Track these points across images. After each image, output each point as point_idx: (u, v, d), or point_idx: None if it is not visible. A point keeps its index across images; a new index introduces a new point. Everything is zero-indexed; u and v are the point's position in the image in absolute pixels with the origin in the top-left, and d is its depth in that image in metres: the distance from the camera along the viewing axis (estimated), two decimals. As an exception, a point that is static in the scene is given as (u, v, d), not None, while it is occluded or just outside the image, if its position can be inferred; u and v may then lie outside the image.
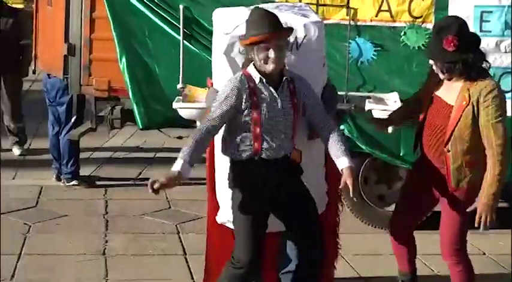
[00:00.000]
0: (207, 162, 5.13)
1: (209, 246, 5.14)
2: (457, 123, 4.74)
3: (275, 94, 4.52)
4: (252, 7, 4.81)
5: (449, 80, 4.80)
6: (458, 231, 4.92)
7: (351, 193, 4.45)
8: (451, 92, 4.81)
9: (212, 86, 5.02)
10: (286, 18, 4.77)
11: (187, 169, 4.45)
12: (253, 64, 4.54)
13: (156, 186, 4.45)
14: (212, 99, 4.65)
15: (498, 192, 4.70)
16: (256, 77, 4.51)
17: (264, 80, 4.50)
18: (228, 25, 4.90)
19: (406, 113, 5.35)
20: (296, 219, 4.67)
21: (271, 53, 4.42)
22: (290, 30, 4.58)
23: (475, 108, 4.68)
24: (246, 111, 4.49)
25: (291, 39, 4.72)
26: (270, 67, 4.46)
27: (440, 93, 4.88)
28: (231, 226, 4.81)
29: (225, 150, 4.66)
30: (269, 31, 4.42)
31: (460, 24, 4.76)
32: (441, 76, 4.81)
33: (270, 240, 4.81)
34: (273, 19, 4.48)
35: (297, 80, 4.62)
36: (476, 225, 4.71)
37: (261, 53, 4.44)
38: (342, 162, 4.51)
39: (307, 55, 4.82)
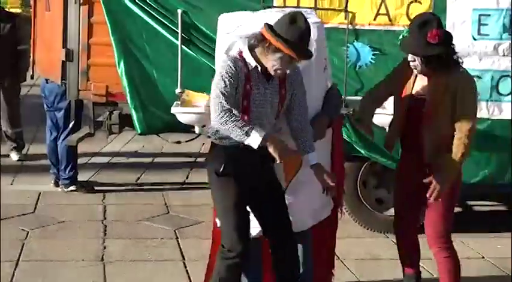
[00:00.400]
0: None
1: (213, 252, 5.10)
2: (433, 112, 4.93)
3: (266, 84, 4.51)
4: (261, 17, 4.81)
5: (426, 74, 4.94)
6: (440, 218, 5.05)
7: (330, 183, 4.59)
8: (427, 85, 4.99)
9: None
10: None
11: (262, 133, 4.33)
12: (251, 51, 4.48)
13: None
14: None
15: (455, 173, 4.93)
16: (252, 63, 4.47)
17: (260, 68, 4.47)
18: (230, 26, 4.92)
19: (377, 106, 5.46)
20: (269, 212, 4.66)
21: (283, 65, 4.41)
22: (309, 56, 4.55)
23: (451, 99, 4.88)
24: (237, 97, 4.44)
25: None
26: (272, 73, 4.47)
27: (418, 88, 5.04)
28: None
29: (210, 134, 4.61)
30: (304, 53, 4.41)
31: (439, 19, 4.97)
32: (417, 71, 4.96)
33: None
34: (307, 39, 4.45)
35: (289, 72, 4.60)
36: (428, 196, 4.88)
37: (284, 63, 4.40)
38: (310, 158, 4.61)
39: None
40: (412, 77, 5.09)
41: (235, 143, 4.47)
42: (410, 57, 4.97)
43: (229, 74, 4.40)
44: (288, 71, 4.55)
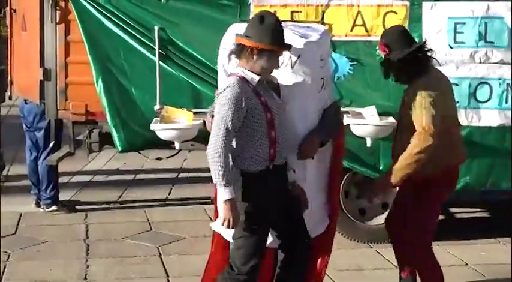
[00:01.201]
0: None
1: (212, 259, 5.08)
2: (403, 116, 5.18)
3: (273, 95, 4.55)
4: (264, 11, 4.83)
5: (403, 83, 5.28)
6: (416, 218, 5.20)
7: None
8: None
9: None
10: (285, 37, 4.77)
11: (233, 191, 4.38)
12: (244, 67, 4.50)
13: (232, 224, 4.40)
14: None
15: (402, 170, 5.05)
16: (255, 78, 4.47)
17: (264, 81, 4.53)
18: (227, 40, 4.91)
19: None
20: (290, 229, 4.66)
21: (275, 62, 4.49)
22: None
23: (412, 102, 5.06)
24: (258, 114, 4.42)
25: (286, 56, 4.72)
26: (265, 73, 4.51)
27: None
28: (227, 237, 4.77)
29: (236, 164, 4.50)
30: (286, 45, 4.50)
31: (388, 33, 5.30)
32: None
33: (267, 255, 4.79)
34: (282, 33, 4.53)
35: (274, 80, 4.67)
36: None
37: (272, 61, 4.47)
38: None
39: (301, 74, 4.78)
40: None
41: (261, 167, 4.47)
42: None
43: (236, 104, 4.36)
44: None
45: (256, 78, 4.48)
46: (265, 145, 4.44)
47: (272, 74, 4.64)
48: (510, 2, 6.65)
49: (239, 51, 4.49)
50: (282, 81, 4.75)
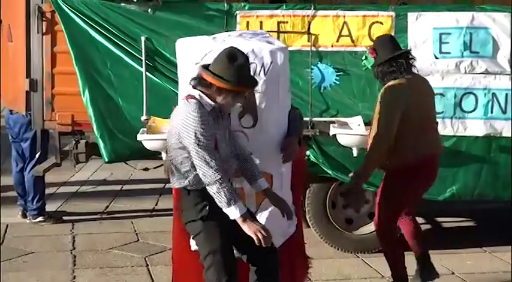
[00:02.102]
0: (174, 190, 5.10)
1: (176, 275, 5.08)
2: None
3: (221, 121, 4.49)
4: (225, 44, 4.78)
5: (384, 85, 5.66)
6: (382, 208, 5.72)
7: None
8: None
9: None
10: (252, 45, 4.80)
11: (243, 206, 4.38)
12: (203, 92, 4.43)
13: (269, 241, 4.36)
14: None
15: (364, 170, 5.61)
16: (210, 105, 4.41)
17: (218, 109, 4.46)
18: (196, 55, 4.88)
19: None
20: (255, 250, 4.56)
21: (238, 100, 4.46)
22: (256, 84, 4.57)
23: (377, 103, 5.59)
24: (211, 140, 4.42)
25: (258, 65, 4.74)
26: (226, 109, 4.48)
27: None
28: None
29: (180, 182, 4.53)
30: (252, 84, 4.47)
31: (377, 40, 5.86)
32: None
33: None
34: (248, 70, 4.47)
35: None
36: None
37: (232, 100, 4.41)
38: (261, 184, 4.60)
39: (274, 80, 4.83)
40: None
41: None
42: None
43: (206, 125, 4.34)
44: None
45: (211, 104, 4.41)
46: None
47: None
48: (494, 13, 6.71)
49: (205, 85, 4.41)
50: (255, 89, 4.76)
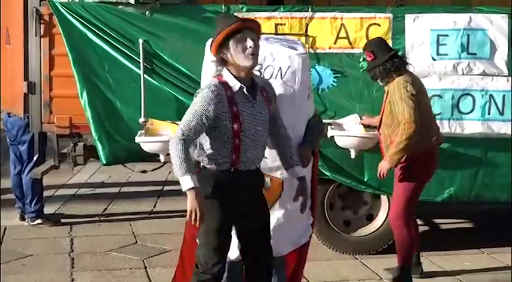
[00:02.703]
0: None
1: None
2: (383, 112, 6.02)
3: (254, 103, 4.46)
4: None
5: (385, 84, 6.07)
6: (399, 200, 6.08)
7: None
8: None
9: None
10: (272, 49, 4.82)
11: (196, 182, 4.33)
12: (229, 70, 4.44)
13: (199, 217, 4.32)
14: None
15: (395, 156, 5.88)
16: (236, 85, 4.40)
17: (245, 88, 4.41)
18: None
19: None
20: (252, 239, 4.62)
21: (250, 42, 4.35)
22: (258, 23, 4.53)
23: (393, 97, 5.90)
24: (225, 122, 4.38)
25: (276, 68, 4.73)
26: (248, 63, 4.37)
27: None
28: None
29: (198, 156, 4.54)
30: (241, 20, 4.43)
31: (371, 43, 6.29)
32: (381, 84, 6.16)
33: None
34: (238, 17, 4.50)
35: (266, 86, 4.59)
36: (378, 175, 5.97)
37: (240, 44, 4.35)
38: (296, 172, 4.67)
39: (290, 85, 4.84)
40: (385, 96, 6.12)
41: (223, 168, 4.47)
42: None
43: (207, 104, 4.34)
44: (256, 76, 4.57)
45: (237, 86, 4.41)
46: (228, 150, 4.43)
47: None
48: (491, 14, 6.73)
49: (219, 53, 4.44)
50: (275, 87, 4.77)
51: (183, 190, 4.33)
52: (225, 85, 4.41)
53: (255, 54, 4.38)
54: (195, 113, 4.36)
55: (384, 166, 5.94)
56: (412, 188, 6.06)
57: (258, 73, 4.79)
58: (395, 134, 5.91)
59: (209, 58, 4.94)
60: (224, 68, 4.48)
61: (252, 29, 4.42)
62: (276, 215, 4.82)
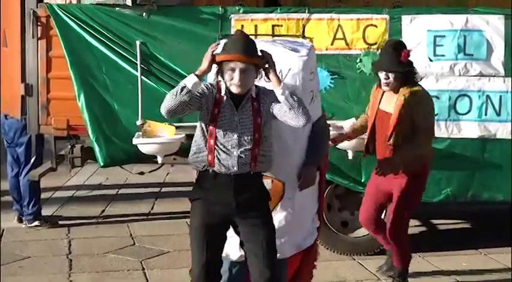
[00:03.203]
0: None
1: None
2: (397, 121, 5.73)
3: (235, 110, 4.53)
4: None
5: (394, 91, 5.77)
6: (403, 213, 5.95)
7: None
8: (390, 101, 5.82)
9: None
10: (274, 51, 4.81)
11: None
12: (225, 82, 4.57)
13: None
14: None
15: (402, 158, 5.77)
16: (224, 89, 4.54)
17: (229, 95, 4.52)
18: None
19: (359, 129, 6.26)
20: (247, 241, 4.60)
21: (235, 75, 4.45)
22: (258, 57, 4.53)
23: (410, 107, 5.69)
24: (205, 119, 4.53)
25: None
26: (234, 90, 4.50)
27: (383, 107, 5.88)
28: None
29: (189, 158, 4.68)
30: (235, 53, 4.46)
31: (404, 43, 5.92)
32: (386, 88, 5.81)
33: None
34: (245, 43, 4.50)
35: (262, 95, 4.59)
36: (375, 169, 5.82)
37: (226, 74, 4.49)
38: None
39: (290, 87, 4.82)
40: (379, 94, 5.91)
41: (203, 169, 4.55)
42: (384, 75, 5.77)
43: (204, 86, 4.54)
44: (255, 87, 4.58)
45: (225, 91, 4.53)
46: (205, 149, 4.56)
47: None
48: (488, 15, 6.74)
49: (218, 72, 4.59)
50: None
51: (190, 83, 4.45)
52: (219, 88, 4.56)
53: (239, 83, 4.48)
54: (190, 79, 4.51)
55: (389, 168, 5.80)
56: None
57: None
58: (408, 141, 5.76)
59: None
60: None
61: (244, 61, 4.47)
62: (277, 218, 4.81)
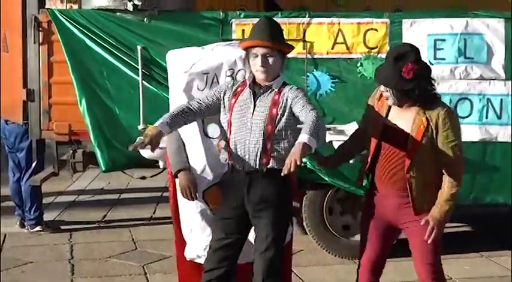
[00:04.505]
0: (171, 199, 5.15)
1: None
2: (417, 148, 4.62)
3: (251, 98, 4.52)
4: (213, 52, 5.01)
5: (400, 106, 4.68)
6: (431, 254, 4.81)
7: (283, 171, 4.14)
8: (404, 118, 4.68)
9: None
10: (241, 52, 4.82)
11: (165, 127, 4.50)
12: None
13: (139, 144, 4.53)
14: None
15: (451, 210, 4.66)
16: (250, 78, 4.57)
17: (252, 84, 4.55)
18: (185, 64, 4.99)
19: (355, 147, 5.11)
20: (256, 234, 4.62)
21: (257, 60, 4.47)
22: (282, 43, 4.54)
23: (434, 132, 4.61)
24: (224, 112, 4.59)
25: (247, 71, 4.71)
26: (259, 76, 4.51)
27: (393, 120, 4.72)
28: (200, 261, 4.81)
29: None
30: (257, 38, 4.48)
31: (416, 51, 4.67)
32: (391, 102, 4.68)
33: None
34: (266, 28, 4.51)
35: (286, 90, 4.51)
36: (425, 238, 4.64)
37: (250, 60, 4.53)
38: (300, 138, 4.17)
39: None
40: (385, 107, 4.76)
41: (225, 162, 4.63)
42: (382, 87, 4.69)
43: (218, 88, 4.65)
44: (281, 80, 4.56)
45: (251, 78, 4.57)
46: (225, 142, 4.63)
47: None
48: (488, 19, 6.76)
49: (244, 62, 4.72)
50: None
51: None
52: (243, 82, 4.64)
53: (263, 69, 4.48)
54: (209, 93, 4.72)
55: (439, 225, 4.67)
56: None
57: (229, 78, 4.92)
58: (435, 178, 4.68)
59: (180, 69, 5.03)
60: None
61: (267, 47, 4.47)
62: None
